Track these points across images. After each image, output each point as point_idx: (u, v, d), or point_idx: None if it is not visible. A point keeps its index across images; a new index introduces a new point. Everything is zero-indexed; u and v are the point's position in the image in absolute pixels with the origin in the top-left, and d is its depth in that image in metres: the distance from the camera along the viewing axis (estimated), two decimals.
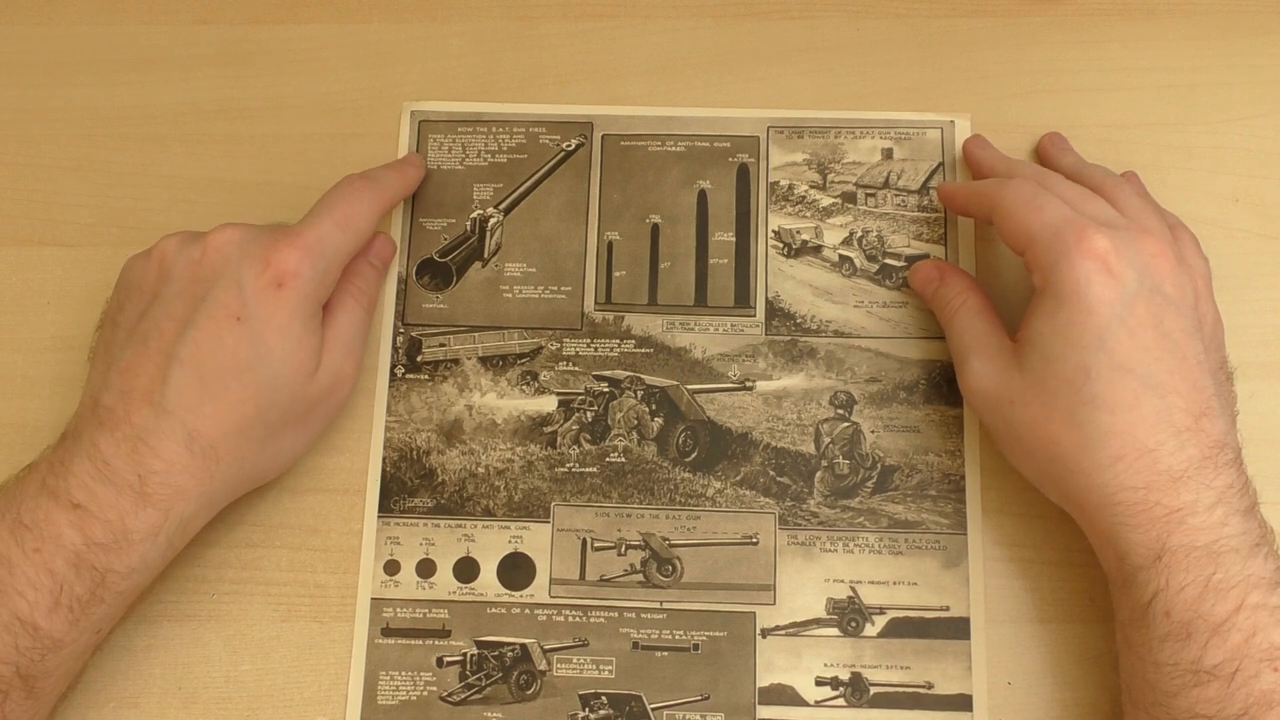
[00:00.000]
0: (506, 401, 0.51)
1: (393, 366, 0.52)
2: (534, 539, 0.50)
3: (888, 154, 0.54)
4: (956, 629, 0.48)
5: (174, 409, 0.42)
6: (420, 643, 0.49)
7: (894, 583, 0.49)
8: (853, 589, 0.49)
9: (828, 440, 0.51)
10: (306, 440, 0.48)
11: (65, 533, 0.40)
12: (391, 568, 0.50)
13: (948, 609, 0.48)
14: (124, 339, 0.44)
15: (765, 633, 0.48)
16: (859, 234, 0.53)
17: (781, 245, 0.53)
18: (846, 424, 0.51)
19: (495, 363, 0.52)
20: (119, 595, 0.42)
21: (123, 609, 0.44)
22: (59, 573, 0.40)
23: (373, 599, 0.49)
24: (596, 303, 0.53)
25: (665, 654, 0.48)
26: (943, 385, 0.51)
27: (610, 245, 0.53)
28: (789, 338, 0.52)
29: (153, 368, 0.43)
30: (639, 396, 0.51)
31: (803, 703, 0.48)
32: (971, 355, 0.46)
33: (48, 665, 0.41)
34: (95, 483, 0.41)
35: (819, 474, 0.50)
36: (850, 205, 0.53)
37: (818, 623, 0.49)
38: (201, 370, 0.42)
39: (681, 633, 0.49)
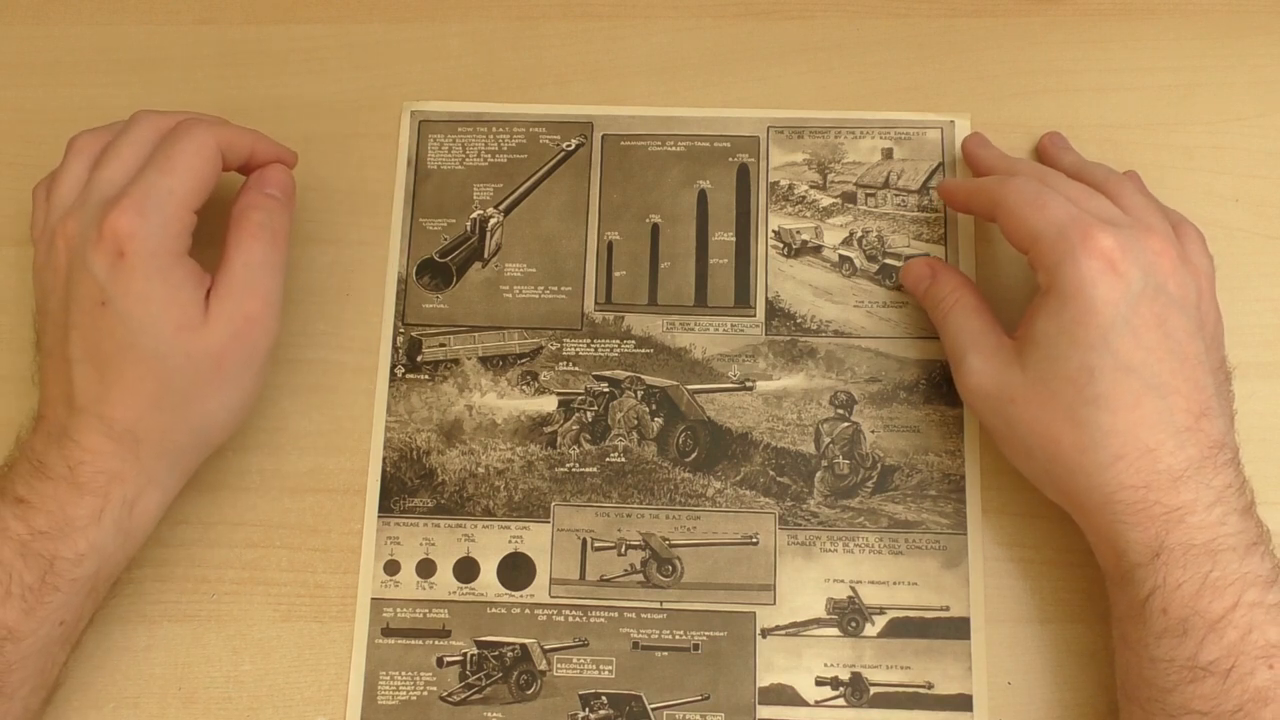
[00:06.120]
0: (506, 401, 0.51)
1: (393, 366, 0.52)
2: (534, 539, 0.50)
3: (888, 154, 0.54)
4: (956, 629, 0.48)
5: (85, 404, 0.43)
6: (420, 643, 0.49)
7: (894, 583, 0.49)
8: (853, 589, 0.49)
9: (828, 440, 0.51)
10: (239, 393, 0.46)
11: (11, 524, 0.42)
12: (391, 568, 0.50)
13: (948, 609, 0.48)
14: (42, 358, 0.46)
15: (765, 633, 0.48)
16: (859, 234, 0.53)
17: (781, 245, 0.53)
18: (846, 424, 0.51)
19: (495, 363, 0.52)
20: (74, 583, 0.43)
21: (84, 598, 0.44)
22: (7, 562, 0.42)
23: (373, 599, 0.49)
24: (596, 303, 0.53)
25: (665, 654, 0.48)
26: (943, 385, 0.51)
27: (610, 245, 0.53)
28: (789, 338, 0.52)
29: (60, 374, 0.44)
30: (639, 396, 0.51)
31: (803, 703, 0.48)
32: (969, 353, 0.46)
33: (8, 658, 0.42)
34: (34, 479, 0.43)
35: (819, 474, 0.50)
36: (850, 205, 0.53)
37: (818, 623, 0.49)
38: (94, 363, 0.43)
39: (681, 633, 0.49)
